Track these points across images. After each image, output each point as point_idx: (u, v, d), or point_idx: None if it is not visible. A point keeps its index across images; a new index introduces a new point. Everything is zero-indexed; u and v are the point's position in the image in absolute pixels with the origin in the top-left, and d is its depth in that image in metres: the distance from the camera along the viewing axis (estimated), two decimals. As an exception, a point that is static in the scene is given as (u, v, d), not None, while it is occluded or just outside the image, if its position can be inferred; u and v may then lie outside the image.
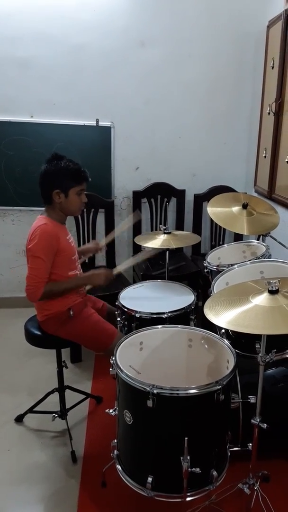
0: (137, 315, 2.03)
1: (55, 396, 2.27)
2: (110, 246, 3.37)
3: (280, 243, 2.41)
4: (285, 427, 1.89)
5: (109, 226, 3.39)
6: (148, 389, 1.41)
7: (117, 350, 1.65)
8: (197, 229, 3.50)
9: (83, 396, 2.38)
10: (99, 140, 3.35)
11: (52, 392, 2.28)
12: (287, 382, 1.99)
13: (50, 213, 2.01)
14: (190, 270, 3.15)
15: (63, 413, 2.19)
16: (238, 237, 3.45)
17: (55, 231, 1.93)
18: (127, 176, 3.46)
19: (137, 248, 3.47)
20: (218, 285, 1.91)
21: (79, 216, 3.28)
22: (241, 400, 1.72)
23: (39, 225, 1.92)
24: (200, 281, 3.10)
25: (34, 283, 1.87)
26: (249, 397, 1.64)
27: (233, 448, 1.73)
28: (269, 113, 3.04)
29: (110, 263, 3.41)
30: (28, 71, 3.17)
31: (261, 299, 1.36)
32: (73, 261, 2.06)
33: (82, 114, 3.28)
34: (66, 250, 1.98)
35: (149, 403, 1.41)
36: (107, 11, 3.12)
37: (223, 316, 1.34)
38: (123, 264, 2.28)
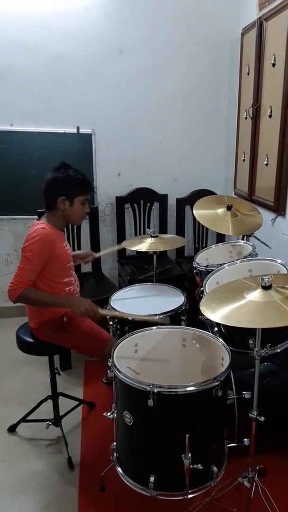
0: (130, 318, 2.05)
1: (47, 405, 2.25)
2: (96, 250, 3.38)
3: (263, 242, 2.48)
4: (273, 422, 1.93)
5: (94, 232, 3.40)
6: (148, 388, 1.43)
7: (113, 352, 1.66)
8: (180, 233, 3.54)
9: (75, 403, 2.36)
10: (80, 147, 3.37)
11: (45, 400, 2.26)
12: (272, 378, 2.04)
13: (50, 219, 2.01)
14: (175, 273, 3.19)
15: (57, 420, 2.18)
16: (220, 239, 3.52)
17: (52, 236, 1.94)
18: (110, 182, 3.48)
19: (122, 253, 3.49)
20: (209, 284, 1.96)
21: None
22: (236, 396, 1.76)
23: (38, 228, 1.93)
24: (185, 284, 3.13)
25: (16, 282, 1.86)
26: (243, 392, 1.67)
27: (229, 444, 1.75)
28: (246, 118, 3.14)
29: (94, 265, 3.41)
30: (6, 80, 3.16)
31: (255, 295, 1.40)
32: (68, 268, 2.06)
33: (63, 121, 3.30)
34: (61, 257, 1.98)
35: (150, 402, 1.43)
36: (84, 20, 3.15)
37: (219, 313, 1.37)
38: (110, 311, 2.10)
